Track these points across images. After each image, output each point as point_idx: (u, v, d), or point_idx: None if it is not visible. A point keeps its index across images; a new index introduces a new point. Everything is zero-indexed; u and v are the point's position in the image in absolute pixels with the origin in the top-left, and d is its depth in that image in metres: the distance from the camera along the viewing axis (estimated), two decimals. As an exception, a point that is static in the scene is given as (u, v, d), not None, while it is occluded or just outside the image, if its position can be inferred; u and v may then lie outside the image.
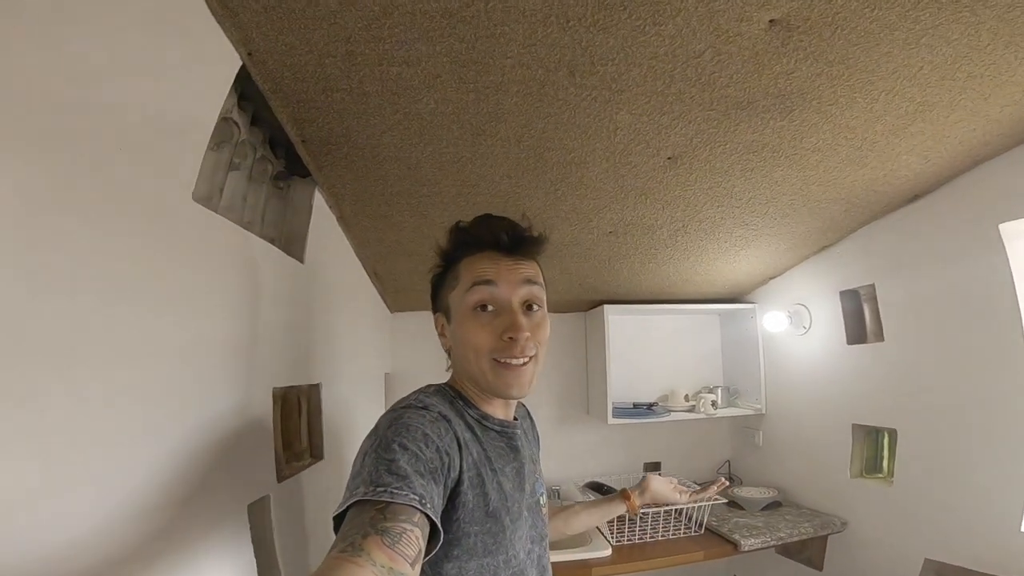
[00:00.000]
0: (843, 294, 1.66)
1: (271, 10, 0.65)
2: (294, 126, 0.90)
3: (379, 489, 0.51)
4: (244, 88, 0.81)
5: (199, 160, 0.68)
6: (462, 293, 0.72)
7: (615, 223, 1.41)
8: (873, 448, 1.64)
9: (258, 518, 0.85)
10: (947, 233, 1.33)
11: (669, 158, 1.11)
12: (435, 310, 0.81)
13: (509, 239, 0.72)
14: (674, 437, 2.27)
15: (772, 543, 1.61)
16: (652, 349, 2.29)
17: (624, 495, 1.18)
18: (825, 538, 1.73)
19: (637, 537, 1.69)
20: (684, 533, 1.71)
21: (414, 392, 0.72)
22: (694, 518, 1.74)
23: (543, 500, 0.83)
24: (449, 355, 0.79)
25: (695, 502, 1.39)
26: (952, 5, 0.77)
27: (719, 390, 2.16)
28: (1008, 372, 1.20)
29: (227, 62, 0.71)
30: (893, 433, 1.51)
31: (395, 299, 1.95)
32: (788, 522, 1.70)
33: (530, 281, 0.72)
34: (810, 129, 1.02)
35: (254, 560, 0.79)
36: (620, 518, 1.70)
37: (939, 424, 1.37)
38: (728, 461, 2.31)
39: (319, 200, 1.15)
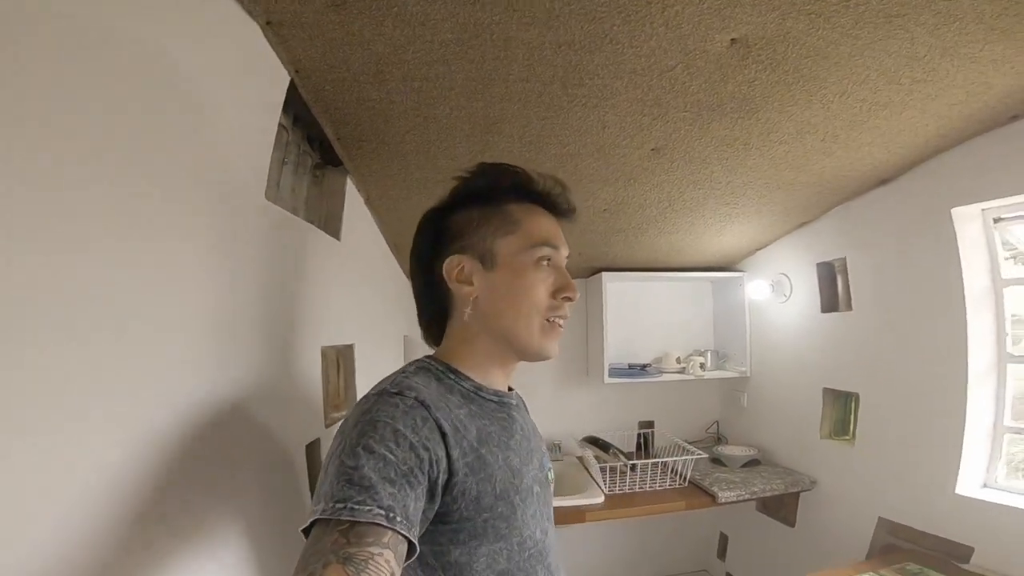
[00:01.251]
0: (819, 266, 1.82)
1: (315, 39, 0.81)
2: (331, 127, 1.07)
3: (339, 506, 0.47)
4: (287, 95, 0.98)
5: (267, 162, 0.86)
6: (524, 244, 0.68)
7: (609, 202, 1.57)
8: (842, 411, 1.83)
9: (312, 457, 1.04)
10: (908, 214, 1.48)
11: (653, 149, 1.27)
12: (456, 250, 0.69)
13: (566, 210, 0.76)
14: (667, 397, 2.49)
15: (746, 496, 1.81)
16: (649, 314, 2.48)
17: None
18: (797, 496, 1.93)
19: (628, 487, 1.90)
20: (670, 485, 1.92)
21: (394, 372, 0.66)
22: (679, 472, 1.95)
23: (551, 476, 0.79)
24: (469, 306, 0.69)
25: None
26: (886, 25, 0.90)
27: (709, 353, 2.35)
28: (952, 343, 1.36)
29: (280, 78, 0.87)
30: (857, 397, 1.70)
31: (412, 268, 2.14)
32: (763, 479, 1.90)
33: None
34: (775, 126, 1.17)
35: (309, 494, 0.95)
36: (612, 469, 1.92)
37: (894, 390, 1.55)
38: (717, 421, 2.52)
39: (349, 185, 1.33)
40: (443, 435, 0.58)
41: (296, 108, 1.04)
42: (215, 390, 0.68)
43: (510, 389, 0.77)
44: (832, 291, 1.79)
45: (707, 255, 2.15)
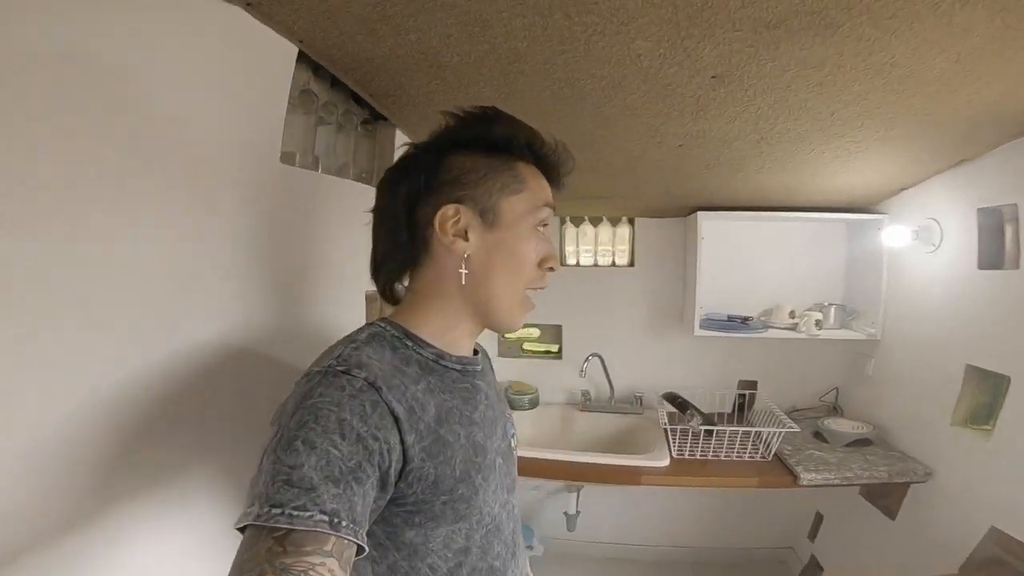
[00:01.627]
0: (981, 212, 1.39)
1: (299, 10, 0.81)
2: (359, 86, 1.11)
3: (275, 511, 0.42)
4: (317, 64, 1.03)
5: (279, 129, 0.94)
6: (531, 207, 0.66)
7: (681, 136, 1.37)
8: (987, 395, 1.44)
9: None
10: None
11: (714, 77, 1.06)
12: (453, 199, 0.63)
13: (561, 184, 0.73)
14: (778, 356, 2.20)
15: (836, 481, 1.57)
16: (763, 259, 2.18)
17: None
18: (906, 486, 1.62)
19: (701, 453, 1.76)
20: (750, 457, 1.74)
21: (342, 341, 0.60)
22: (767, 442, 1.76)
23: (515, 442, 0.75)
24: (462, 264, 0.63)
25: None
26: None
27: (832, 309, 2.01)
28: None
29: (286, 51, 0.91)
30: (1008, 382, 1.32)
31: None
32: (868, 462, 1.63)
33: None
34: (873, 44, 0.89)
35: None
36: (684, 432, 1.78)
37: None
38: (836, 388, 2.18)
39: (403, 137, 1.38)
40: (396, 419, 0.53)
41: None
42: (232, 331, 0.83)
43: (475, 353, 0.73)
44: (996, 244, 1.37)
45: (832, 194, 1.77)
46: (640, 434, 2.01)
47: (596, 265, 2.41)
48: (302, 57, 0.95)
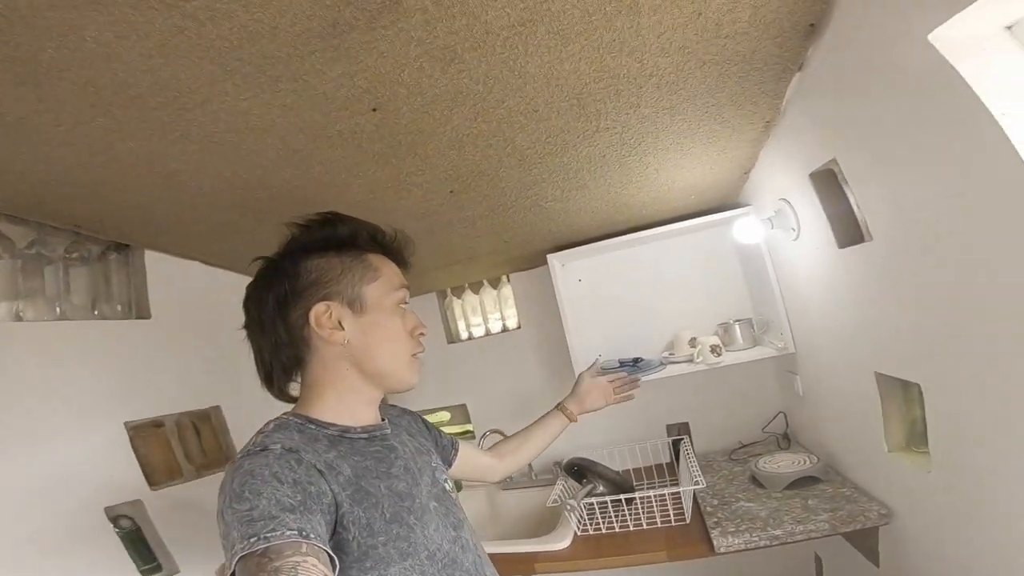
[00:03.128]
0: (814, 177, 1.11)
1: None
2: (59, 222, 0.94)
3: (252, 539, 0.50)
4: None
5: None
6: (388, 290, 0.75)
7: (452, 182, 1.16)
8: (911, 411, 1.09)
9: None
10: (874, 61, 0.77)
11: (374, 110, 0.86)
12: (320, 297, 0.70)
13: (408, 263, 0.83)
14: (705, 390, 1.85)
15: (761, 543, 1.19)
16: (655, 288, 1.88)
17: (560, 407, 1.24)
18: (876, 529, 1.22)
19: (607, 524, 1.42)
20: (662, 523, 1.38)
21: (254, 435, 0.67)
22: (684, 502, 1.39)
23: (449, 486, 0.82)
24: (344, 351, 0.71)
25: (624, 398, 1.32)
26: None
27: (737, 326, 1.69)
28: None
29: None
30: (919, 390, 0.97)
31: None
32: (807, 510, 1.25)
33: None
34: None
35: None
36: (591, 506, 1.44)
37: (969, 378, 0.81)
38: (783, 413, 1.80)
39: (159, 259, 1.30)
40: (320, 472, 0.60)
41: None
42: None
43: (384, 419, 0.78)
44: (845, 214, 1.07)
45: (680, 200, 1.52)
46: (540, 514, 1.65)
47: (488, 334, 2.17)
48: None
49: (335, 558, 0.54)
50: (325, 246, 0.74)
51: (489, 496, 1.99)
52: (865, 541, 1.32)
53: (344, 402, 0.72)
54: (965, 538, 0.92)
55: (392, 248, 0.80)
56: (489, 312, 2.17)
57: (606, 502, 1.42)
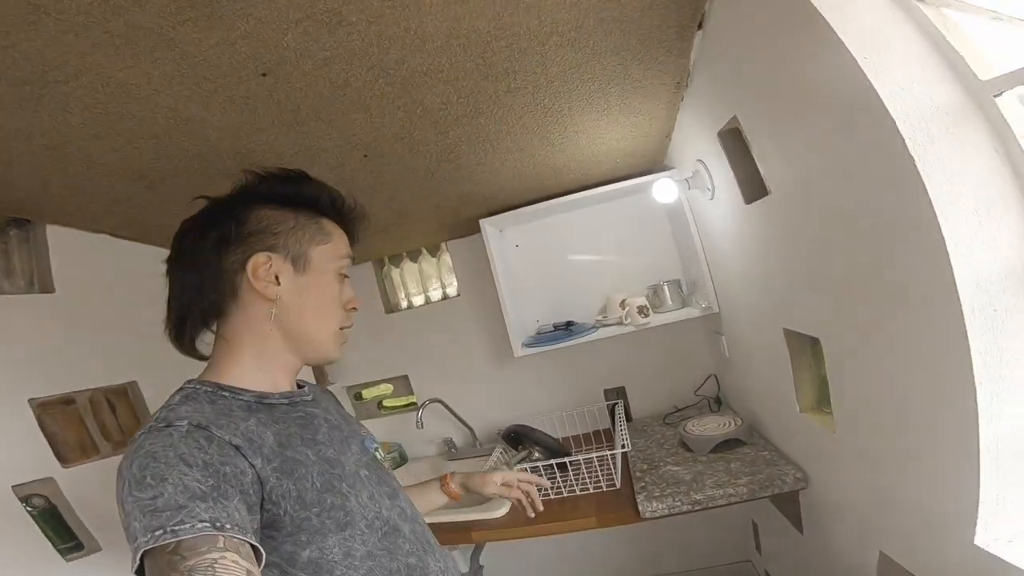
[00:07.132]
0: (722, 136, 1.14)
1: None
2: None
3: (158, 532, 0.45)
4: None
5: None
6: (334, 256, 0.73)
7: (365, 147, 1.13)
8: (817, 369, 1.13)
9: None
10: (760, 18, 0.79)
11: (263, 75, 0.81)
12: (264, 247, 0.66)
13: (358, 239, 0.80)
14: (640, 353, 1.90)
15: (683, 508, 1.22)
16: (590, 252, 1.91)
17: (443, 480, 1.06)
18: (794, 494, 1.26)
19: (554, 493, 1.44)
20: (595, 488, 1.42)
21: (159, 408, 0.60)
22: (615, 467, 1.43)
23: (379, 455, 0.80)
24: (274, 307, 0.66)
25: (506, 494, 1.07)
26: None
27: (666, 287, 1.74)
28: (923, 239, 0.66)
29: None
30: (818, 345, 1.00)
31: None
32: (729, 473, 1.28)
33: None
34: None
35: None
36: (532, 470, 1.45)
37: (863, 334, 0.82)
38: (714, 376, 1.86)
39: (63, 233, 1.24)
40: (236, 448, 0.56)
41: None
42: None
43: (300, 386, 0.75)
44: (750, 170, 1.11)
45: (607, 163, 1.53)
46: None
47: (429, 303, 2.15)
48: None
49: (260, 549, 0.50)
50: (284, 201, 0.71)
51: (434, 467, 2.02)
52: (789, 506, 1.37)
53: (261, 366, 0.67)
54: (875, 500, 0.92)
55: (348, 218, 0.78)
56: (430, 280, 2.16)
57: (539, 467, 1.46)
